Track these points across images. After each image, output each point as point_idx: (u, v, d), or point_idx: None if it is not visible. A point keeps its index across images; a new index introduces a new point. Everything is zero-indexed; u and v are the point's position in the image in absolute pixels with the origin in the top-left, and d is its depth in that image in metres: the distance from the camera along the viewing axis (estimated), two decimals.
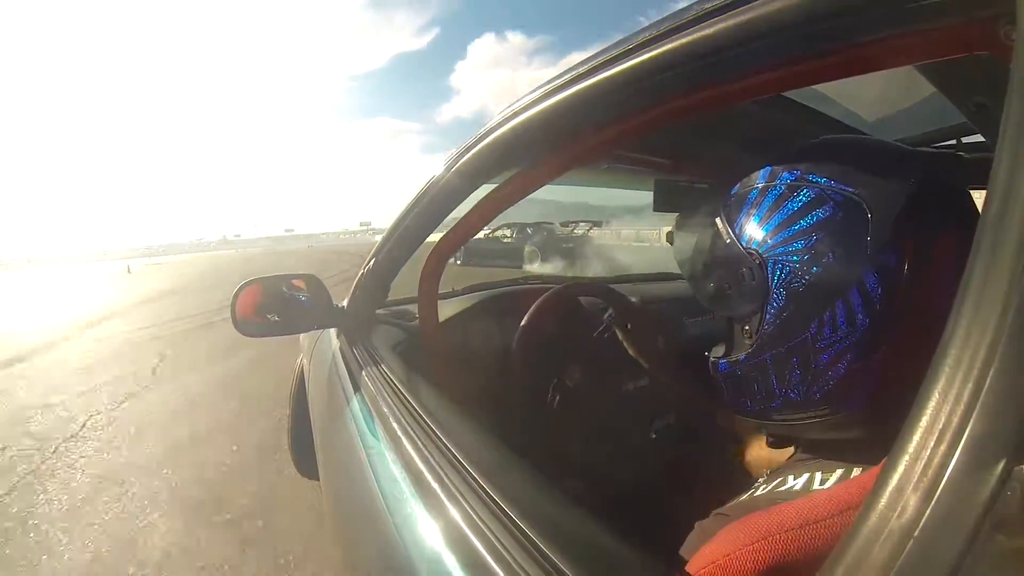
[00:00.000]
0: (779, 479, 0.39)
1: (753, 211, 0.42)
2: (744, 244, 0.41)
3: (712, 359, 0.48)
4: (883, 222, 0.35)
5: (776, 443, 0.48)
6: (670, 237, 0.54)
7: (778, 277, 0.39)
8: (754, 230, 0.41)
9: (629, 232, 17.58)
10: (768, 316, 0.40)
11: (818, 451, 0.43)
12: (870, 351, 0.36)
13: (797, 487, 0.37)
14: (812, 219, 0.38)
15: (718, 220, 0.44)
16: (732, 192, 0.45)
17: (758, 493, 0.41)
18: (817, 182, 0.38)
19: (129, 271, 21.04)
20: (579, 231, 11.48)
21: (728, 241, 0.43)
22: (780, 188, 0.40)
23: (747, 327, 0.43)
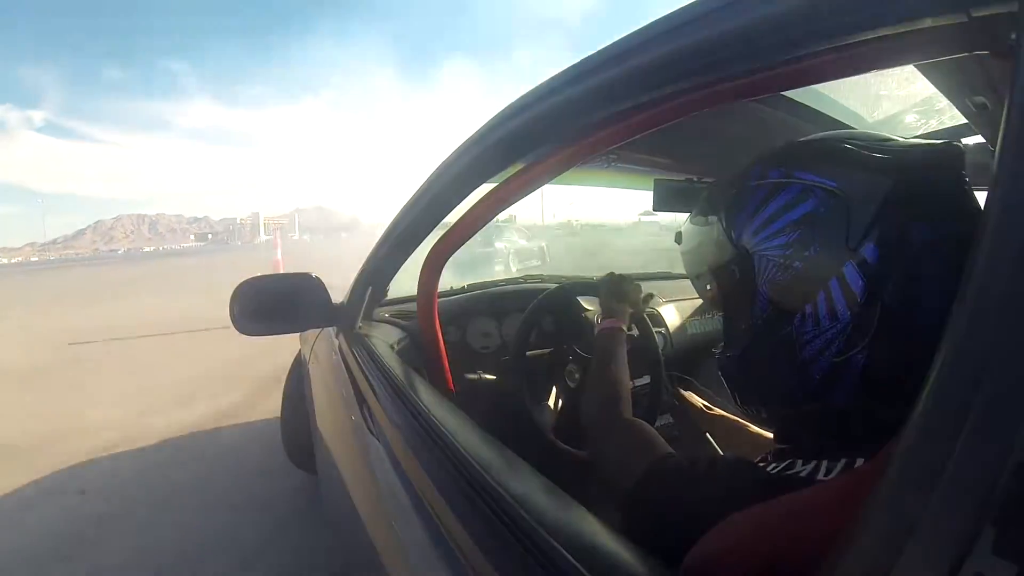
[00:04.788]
0: (788, 461, 0.39)
1: (742, 209, 0.43)
2: (734, 241, 0.43)
3: (717, 356, 0.50)
4: (862, 215, 0.36)
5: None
6: (678, 237, 0.55)
7: (764, 272, 0.41)
8: (743, 227, 0.43)
9: None
10: (757, 311, 0.42)
11: (823, 440, 0.43)
12: (854, 344, 0.37)
13: (803, 475, 0.37)
14: (794, 214, 0.39)
15: (715, 218, 0.46)
16: (728, 191, 0.46)
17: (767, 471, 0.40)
18: (800, 178, 0.40)
19: None
20: None
21: (721, 239, 0.44)
22: (766, 186, 0.42)
23: (741, 323, 0.44)
